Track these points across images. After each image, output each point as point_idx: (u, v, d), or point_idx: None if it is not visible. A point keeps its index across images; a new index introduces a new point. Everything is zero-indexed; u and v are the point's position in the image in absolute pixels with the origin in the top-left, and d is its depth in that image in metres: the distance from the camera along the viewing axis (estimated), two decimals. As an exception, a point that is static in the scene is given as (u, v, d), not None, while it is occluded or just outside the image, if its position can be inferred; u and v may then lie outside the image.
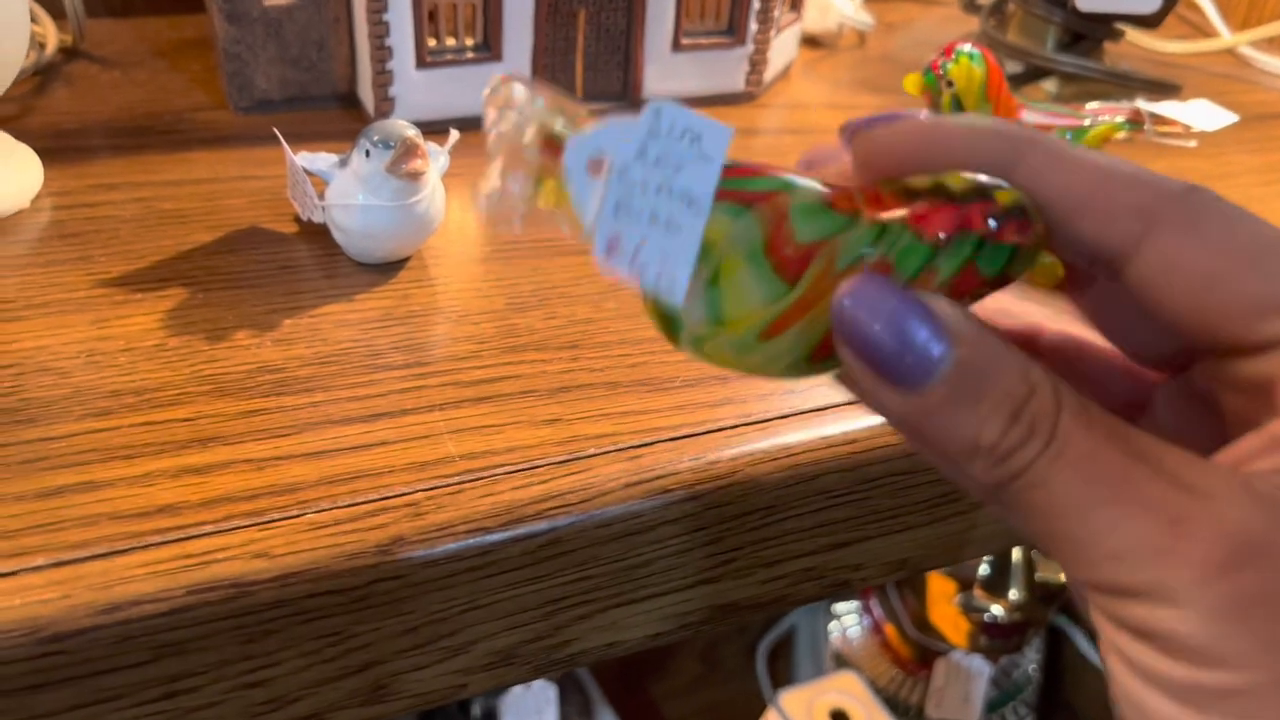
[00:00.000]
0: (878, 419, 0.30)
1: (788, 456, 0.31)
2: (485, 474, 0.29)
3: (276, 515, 0.27)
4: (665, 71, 0.51)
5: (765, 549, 0.32)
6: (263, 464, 0.28)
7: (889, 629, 0.88)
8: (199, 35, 0.55)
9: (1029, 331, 0.25)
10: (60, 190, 0.40)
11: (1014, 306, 0.24)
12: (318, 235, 0.39)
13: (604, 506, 0.29)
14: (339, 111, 0.49)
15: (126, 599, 0.24)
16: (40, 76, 0.49)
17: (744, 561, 0.32)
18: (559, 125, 0.20)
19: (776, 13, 0.53)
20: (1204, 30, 0.70)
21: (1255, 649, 0.17)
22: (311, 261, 0.37)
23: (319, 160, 0.37)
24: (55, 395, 0.30)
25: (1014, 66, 0.56)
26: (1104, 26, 0.55)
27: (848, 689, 0.80)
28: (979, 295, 0.20)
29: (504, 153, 0.21)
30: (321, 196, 0.37)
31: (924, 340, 0.19)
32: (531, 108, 0.20)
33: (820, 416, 0.32)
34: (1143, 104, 0.43)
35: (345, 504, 0.27)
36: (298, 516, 0.27)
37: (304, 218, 0.38)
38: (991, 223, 0.20)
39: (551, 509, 0.28)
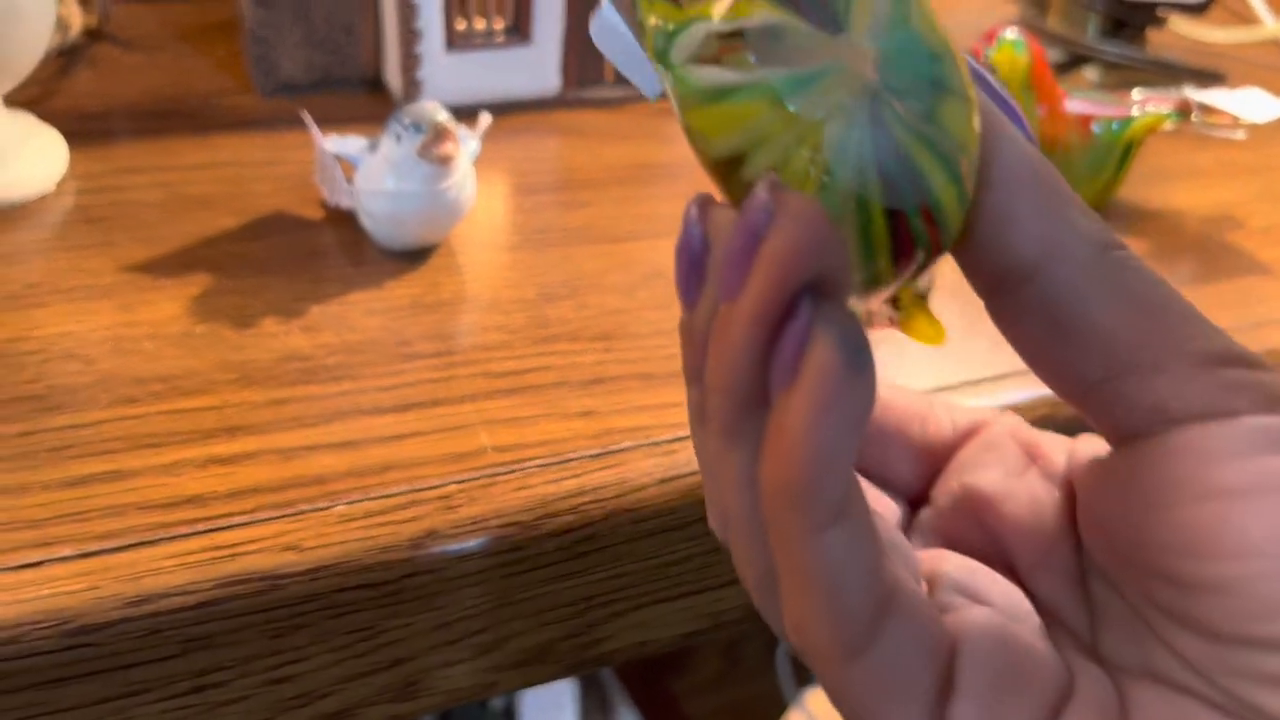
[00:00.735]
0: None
1: (828, 452, 0.30)
2: (518, 467, 0.28)
3: (306, 507, 0.26)
4: (697, 57, 0.50)
5: (803, 546, 0.31)
6: (291, 454, 0.28)
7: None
8: (224, 18, 0.54)
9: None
10: (85, 174, 0.40)
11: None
12: (344, 221, 0.38)
13: (638, 502, 0.28)
14: (364, 95, 0.48)
15: (155, 591, 0.24)
16: (65, 58, 0.49)
17: (781, 559, 0.31)
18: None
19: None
20: (1246, 18, 0.68)
21: None
22: (338, 247, 0.37)
23: (348, 145, 0.36)
24: (81, 382, 0.29)
25: (1054, 54, 0.55)
26: (1147, 14, 0.54)
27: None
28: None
29: None
30: (350, 181, 0.36)
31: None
32: None
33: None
34: (1190, 93, 0.42)
35: (376, 496, 0.27)
36: (328, 508, 0.26)
37: (332, 203, 0.38)
38: None
39: (585, 503, 0.27)
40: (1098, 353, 0.17)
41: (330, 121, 0.43)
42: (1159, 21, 0.55)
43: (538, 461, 0.28)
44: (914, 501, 0.23)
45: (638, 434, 0.29)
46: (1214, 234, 0.44)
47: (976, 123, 0.17)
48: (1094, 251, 0.17)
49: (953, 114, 0.16)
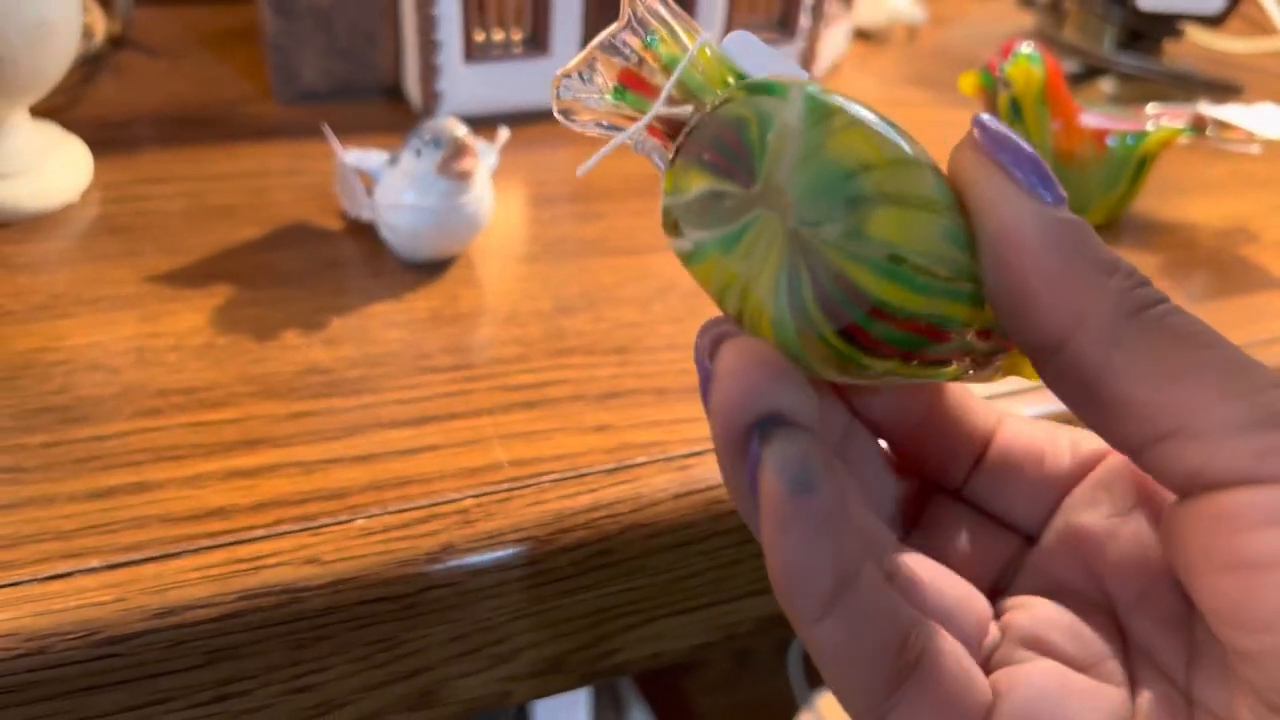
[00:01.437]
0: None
1: (840, 468, 0.30)
2: (534, 481, 0.28)
3: (327, 520, 0.27)
4: (713, 67, 0.50)
5: (815, 561, 0.31)
6: (312, 467, 0.28)
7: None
8: (243, 24, 0.55)
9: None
10: (108, 183, 0.40)
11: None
12: (363, 232, 0.38)
13: (653, 517, 0.28)
14: (383, 103, 0.49)
15: (180, 603, 0.24)
16: (88, 66, 0.49)
17: (793, 573, 0.31)
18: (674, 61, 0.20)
19: (828, 7, 0.52)
20: (1264, 27, 0.68)
21: None
22: (358, 259, 0.37)
23: (369, 159, 0.37)
24: (106, 393, 0.30)
25: (1070, 65, 0.55)
26: (1164, 25, 0.54)
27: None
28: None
29: (602, 50, 0.20)
30: (370, 194, 0.36)
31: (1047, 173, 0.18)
32: (678, 40, 0.20)
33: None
34: (1205, 108, 0.42)
35: (395, 510, 0.27)
36: (348, 522, 0.27)
37: (352, 215, 0.38)
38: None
39: (600, 519, 0.28)
40: (1133, 422, 0.17)
41: (350, 130, 0.44)
42: (1176, 33, 0.55)
43: (553, 476, 0.29)
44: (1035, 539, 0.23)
45: (652, 449, 0.30)
46: (1228, 248, 0.44)
47: (936, 190, 0.18)
48: (1121, 318, 0.17)
49: (883, 219, 0.17)
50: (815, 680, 0.90)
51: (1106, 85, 0.55)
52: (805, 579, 0.16)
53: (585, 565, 0.28)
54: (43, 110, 0.42)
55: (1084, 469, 0.22)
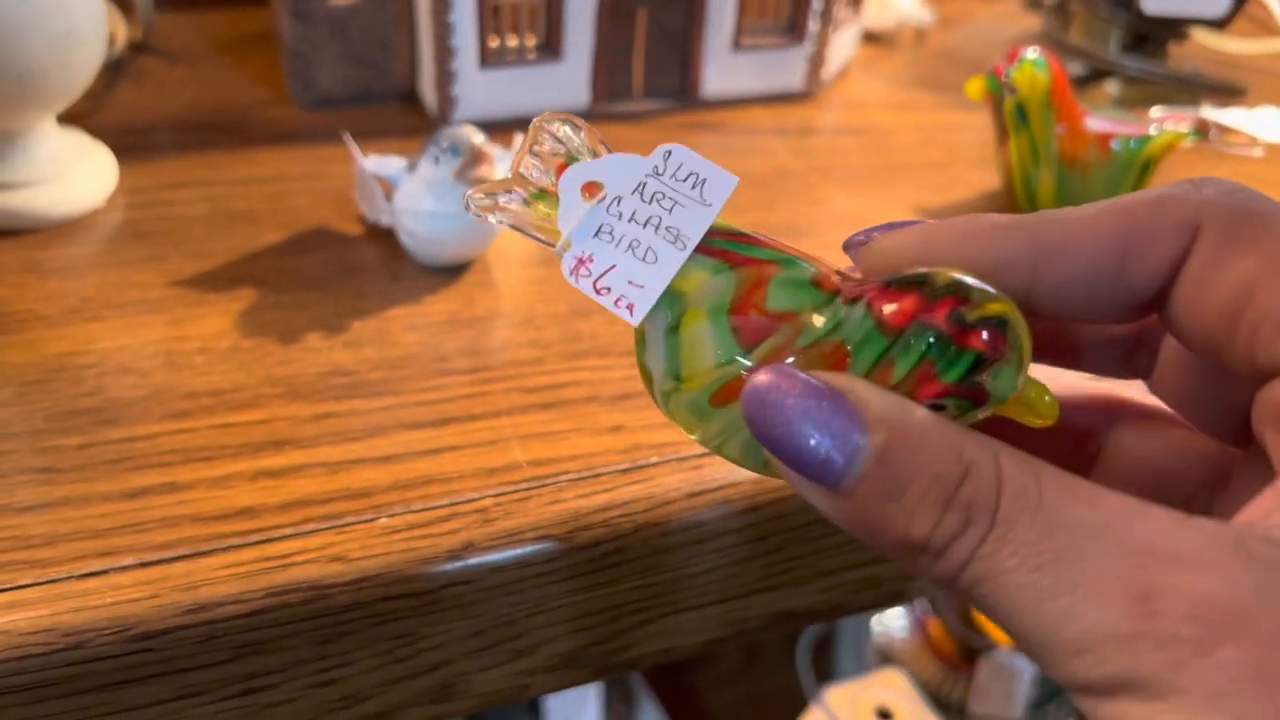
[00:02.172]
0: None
1: (849, 468, 0.31)
2: (551, 481, 0.29)
3: (352, 519, 0.27)
4: (724, 70, 0.51)
5: (825, 558, 0.32)
6: (336, 467, 0.29)
7: (933, 625, 0.88)
8: (262, 30, 0.56)
9: (1110, 408, 0.23)
10: (133, 189, 0.41)
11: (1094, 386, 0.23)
12: (382, 236, 0.39)
13: (666, 516, 0.29)
14: (400, 108, 0.49)
15: (211, 600, 0.25)
16: (110, 73, 0.50)
17: (803, 570, 0.32)
18: (582, 156, 0.21)
19: (837, 11, 0.52)
20: (1269, 28, 0.69)
21: None
22: (378, 263, 0.38)
23: (388, 165, 0.38)
24: (136, 395, 0.31)
25: (1075, 68, 0.56)
26: (1169, 28, 0.54)
27: (894, 686, 0.80)
28: (962, 409, 0.18)
29: (514, 167, 0.22)
30: (389, 200, 0.37)
31: (839, 432, 0.17)
32: (570, 138, 0.21)
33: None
34: (1208, 112, 0.42)
35: (418, 509, 0.28)
36: (372, 520, 0.28)
37: (371, 221, 0.39)
38: (954, 322, 0.18)
39: (615, 518, 0.29)
40: None
41: (367, 135, 0.45)
42: (1181, 35, 0.55)
43: (570, 476, 0.30)
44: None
45: (665, 450, 0.31)
46: (1232, 250, 0.44)
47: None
48: (947, 577, 0.18)
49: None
50: (824, 674, 0.91)
51: (1112, 87, 0.55)
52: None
53: (601, 563, 0.29)
54: (67, 117, 0.43)
55: None
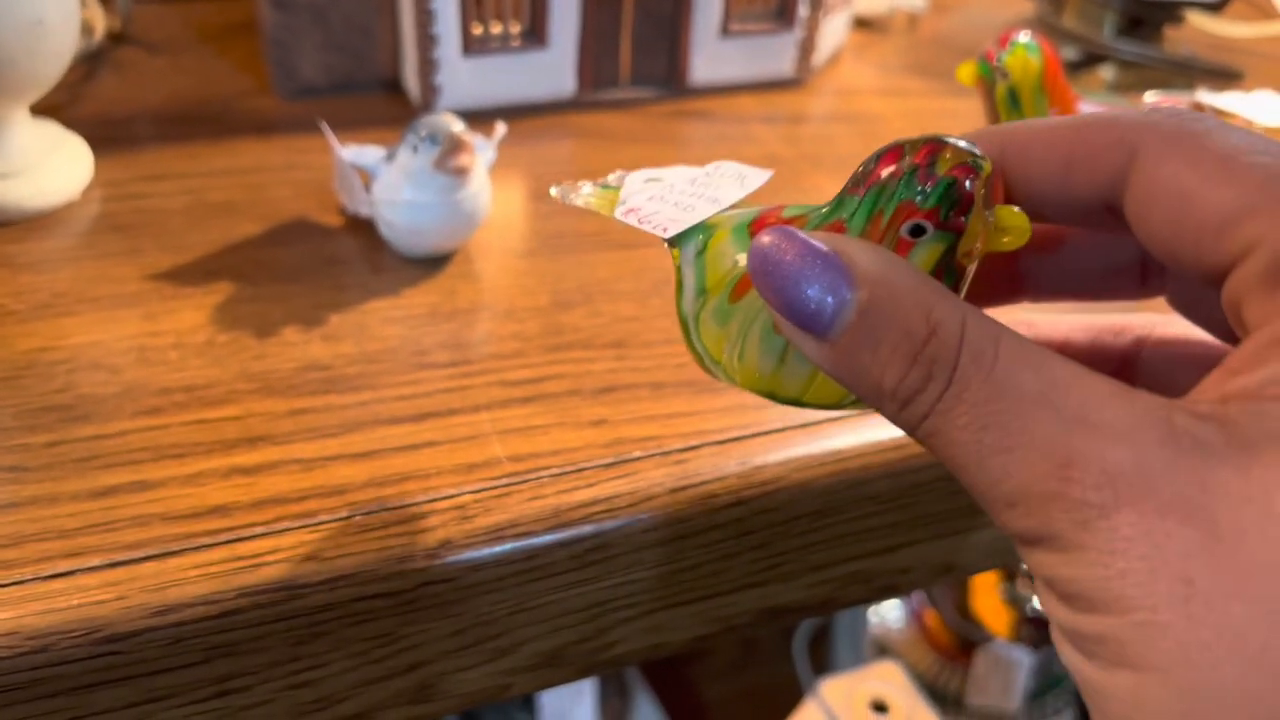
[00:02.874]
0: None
1: (836, 461, 0.30)
2: (531, 476, 0.29)
3: (326, 517, 0.27)
4: (712, 57, 0.50)
5: (813, 553, 0.32)
6: (311, 464, 0.28)
7: (930, 616, 0.88)
8: (243, 19, 0.55)
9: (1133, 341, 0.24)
10: (110, 181, 0.41)
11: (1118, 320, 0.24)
12: (363, 228, 0.39)
13: (650, 511, 0.29)
14: (384, 97, 0.49)
15: (180, 601, 0.24)
16: (89, 63, 0.50)
17: (791, 566, 0.32)
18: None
19: (826, -3, 0.52)
20: (1266, 11, 0.68)
21: (1136, 594, 0.16)
22: (357, 255, 0.37)
23: (366, 155, 0.37)
24: (107, 392, 0.30)
25: (1070, 52, 0.55)
26: (1165, 11, 0.53)
27: (889, 678, 0.80)
28: (945, 241, 0.20)
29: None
30: (368, 191, 0.37)
31: (829, 287, 0.19)
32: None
33: (869, 421, 0.31)
34: (1203, 96, 0.41)
35: (394, 506, 0.27)
36: (347, 519, 0.27)
37: (350, 212, 0.38)
38: (930, 159, 0.20)
39: (598, 513, 0.28)
40: None
41: (350, 124, 0.44)
42: (1177, 19, 0.54)
43: (551, 471, 0.29)
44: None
45: (649, 444, 0.30)
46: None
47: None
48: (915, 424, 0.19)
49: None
50: (821, 667, 0.90)
51: (1106, 72, 0.55)
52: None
53: (583, 559, 0.28)
54: (43, 108, 0.42)
55: None
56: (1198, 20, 0.63)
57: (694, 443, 0.30)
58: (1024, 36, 0.41)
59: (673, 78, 0.50)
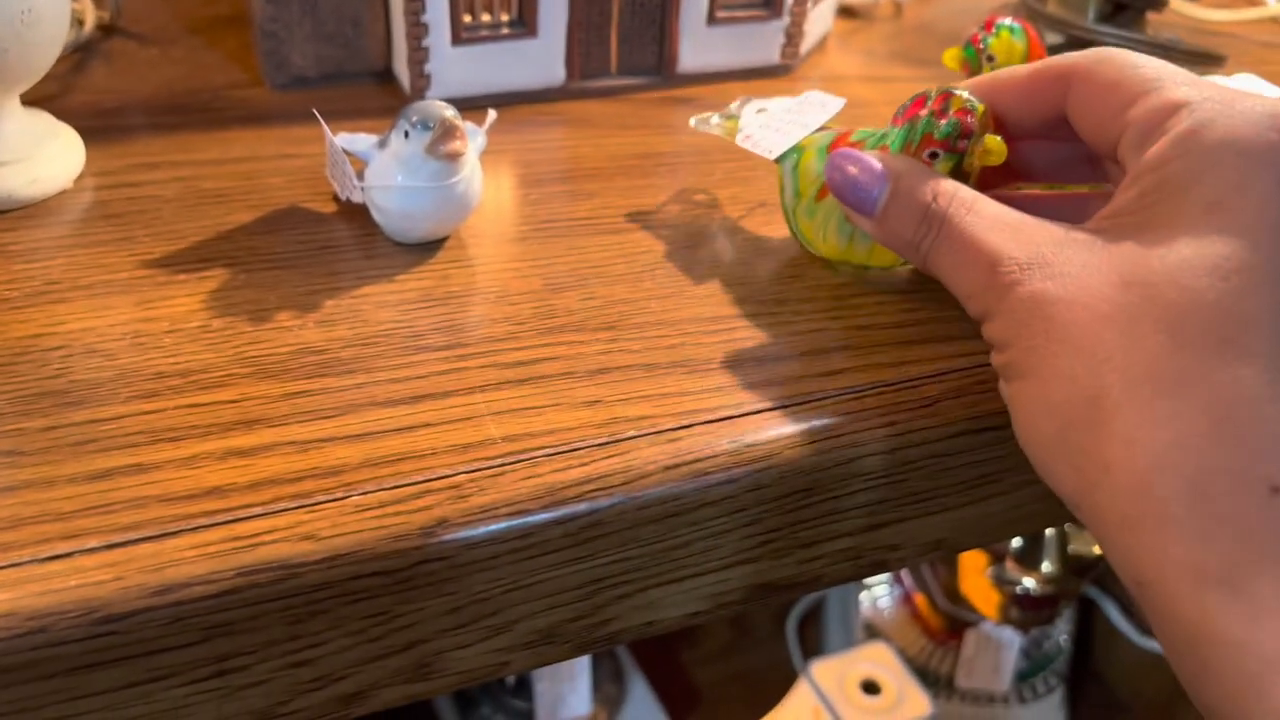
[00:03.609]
0: (916, 401, 0.31)
1: (826, 439, 0.31)
2: (526, 456, 0.29)
3: (322, 497, 0.27)
4: (700, 45, 0.51)
5: (803, 530, 0.32)
6: (307, 446, 0.29)
7: (919, 599, 0.89)
8: (234, 11, 0.55)
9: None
10: (102, 170, 0.41)
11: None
12: (356, 214, 0.39)
13: (643, 489, 0.29)
14: (375, 87, 0.49)
15: (178, 581, 0.25)
16: (79, 54, 0.50)
17: (782, 542, 0.32)
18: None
19: (813, -16, 0.52)
20: (1250, -4, 0.68)
21: (1024, 334, 0.27)
22: (351, 241, 0.38)
23: (358, 141, 0.37)
24: (102, 377, 0.30)
25: (1053, 38, 0.55)
26: (1148, -4, 0.54)
27: (879, 660, 0.80)
28: (953, 159, 0.31)
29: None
30: (360, 177, 0.37)
31: (874, 181, 0.31)
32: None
33: (859, 399, 0.32)
34: (1188, 78, 0.42)
35: (390, 486, 0.28)
36: (343, 499, 0.27)
37: (343, 198, 0.38)
38: (944, 104, 0.31)
39: (592, 491, 0.28)
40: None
41: (342, 114, 0.44)
42: (1160, 4, 0.55)
43: (545, 451, 0.29)
44: None
45: (642, 423, 0.30)
46: (1212, 217, 0.44)
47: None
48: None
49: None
50: (813, 650, 0.91)
51: (1092, 57, 0.55)
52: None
53: (578, 537, 0.29)
54: (34, 98, 0.43)
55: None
56: (1180, 5, 0.64)
57: (686, 422, 0.30)
58: (1008, 20, 0.42)
59: (661, 66, 0.51)
